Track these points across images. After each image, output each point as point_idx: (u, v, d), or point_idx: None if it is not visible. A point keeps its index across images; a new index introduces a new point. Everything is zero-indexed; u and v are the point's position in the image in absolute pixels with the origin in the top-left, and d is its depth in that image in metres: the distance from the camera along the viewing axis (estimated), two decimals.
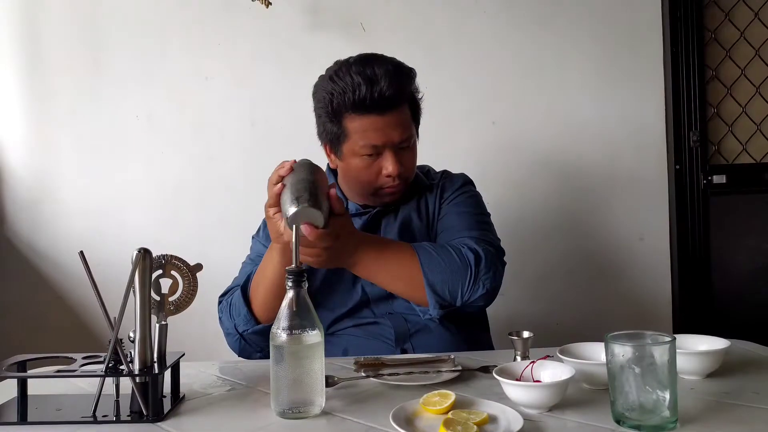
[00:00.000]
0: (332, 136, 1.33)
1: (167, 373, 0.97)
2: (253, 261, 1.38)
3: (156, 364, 0.94)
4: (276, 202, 1.11)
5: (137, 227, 2.09)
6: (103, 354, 0.95)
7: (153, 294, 0.96)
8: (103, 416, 0.91)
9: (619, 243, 2.14)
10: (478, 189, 1.49)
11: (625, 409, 0.82)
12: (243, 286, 1.30)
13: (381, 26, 2.08)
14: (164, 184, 2.10)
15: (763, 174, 2.20)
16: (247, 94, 2.10)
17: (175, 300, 0.99)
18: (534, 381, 0.92)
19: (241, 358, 1.32)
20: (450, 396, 0.88)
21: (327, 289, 1.33)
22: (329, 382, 1.00)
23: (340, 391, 1.00)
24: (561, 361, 0.96)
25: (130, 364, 0.92)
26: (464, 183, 1.46)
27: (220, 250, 1.91)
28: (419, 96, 1.38)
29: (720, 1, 2.20)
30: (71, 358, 0.98)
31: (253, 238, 1.45)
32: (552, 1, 2.11)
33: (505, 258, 1.32)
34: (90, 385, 1.04)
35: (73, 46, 2.09)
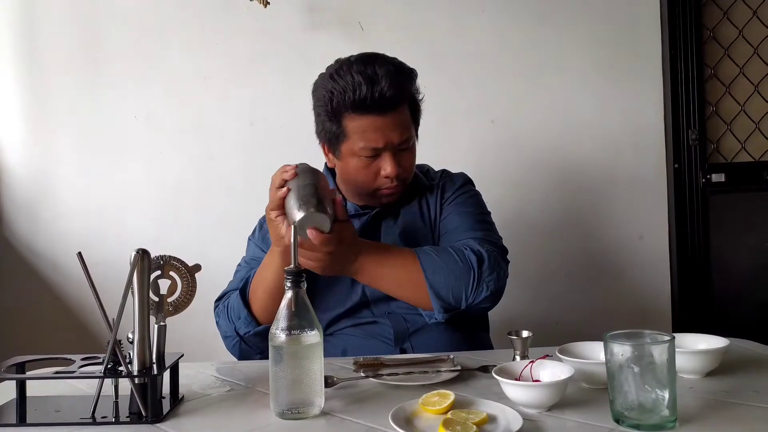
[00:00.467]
0: (331, 135, 1.32)
1: (166, 374, 0.96)
2: (248, 264, 1.38)
3: (155, 365, 0.94)
4: (279, 206, 1.12)
5: (136, 227, 2.09)
6: (101, 355, 0.94)
7: (152, 295, 0.96)
8: (102, 417, 0.91)
9: (618, 242, 2.14)
10: (477, 188, 1.49)
11: (624, 409, 0.82)
12: (242, 289, 1.30)
13: (379, 26, 2.08)
14: (164, 184, 2.10)
15: (762, 172, 2.20)
16: (246, 94, 2.10)
17: (173, 301, 0.99)
18: (533, 380, 0.92)
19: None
20: (449, 396, 0.88)
21: (326, 290, 1.33)
22: (328, 382, 1.00)
23: (340, 391, 1.00)
24: (560, 360, 0.96)
25: (129, 365, 0.91)
26: (464, 182, 1.46)
27: (220, 251, 1.91)
28: (419, 97, 1.37)
29: (718, 0, 2.20)
30: (70, 359, 0.98)
31: (249, 239, 1.44)
32: (551, 0, 2.11)
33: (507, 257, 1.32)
34: (89, 387, 1.04)
35: (72, 46, 2.09)
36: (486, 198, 1.47)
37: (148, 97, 2.09)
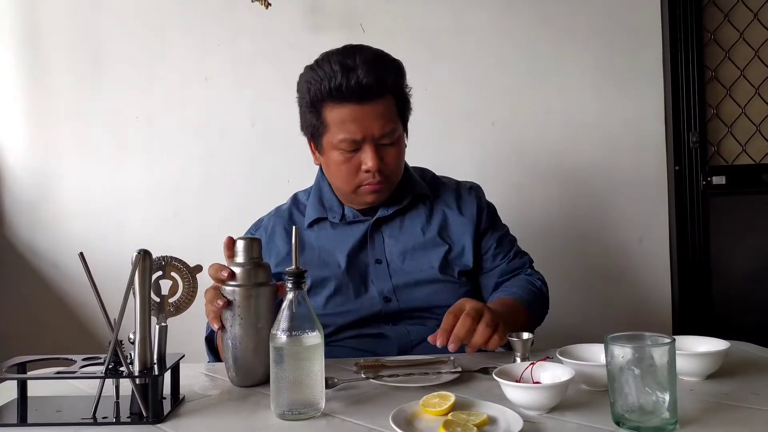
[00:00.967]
0: (313, 129, 1.31)
1: (167, 375, 0.97)
2: None
3: (156, 366, 0.94)
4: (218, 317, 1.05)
5: (137, 228, 2.09)
6: (103, 355, 0.95)
7: (153, 295, 0.96)
8: (103, 418, 0.91)
9: (618, 244, 2.14)
10: None
11: (624, 411, 0.82)
12: (208, 337, 1.29)
13: (381, 27, 2.08)
14: (165, 185, 2.10)
15: (763, 175, 2.20)
16: (247, 95, 2.10)
17: (175, 301, 0.99)
18: (534, 382, 0.92)
19: None
20: (450, 397, 0.88)
21: (339, 297, 1.32)
22: (329, 383, 1.00)
23: (340, 392, 1.00)
24: (561, 362, 0.96)
25: (130, 366, 0.92)
26: (486, 201, 1.46)
27: (220, 251, 1.90)
28: (408, 91, 1.34)
29: (719, 2, 2.20)
30: (71, 359, 0.98)
31: None
32: (552, 2, 2.11)
33: None
34: (90, 387, 1.04)
35: (73, 46, 2.09)
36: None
37: (150, 97, 2.09)
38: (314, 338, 0.90)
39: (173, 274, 1.00)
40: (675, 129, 2.15)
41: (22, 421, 0.91)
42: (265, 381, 0.97)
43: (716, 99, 2.20)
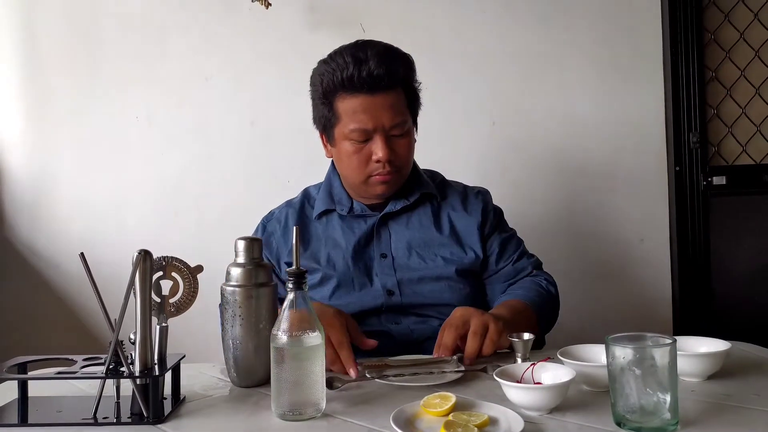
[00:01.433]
0: (325, 121, 1.34)
1: (168, 375, 0.97)
2: None
3: (156, 366, 0.94)
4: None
5: (137, 227, 2.09)
6: (103, 356, 0.95)
7: (153, 295, 0.96)
8: (104, 418, 0.91)
9: (619, 244, 2.14)
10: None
11: (625, 411, 0.82)
12: None
13: (381, 26, 2.08)
14: (164, 184, 2.10)
15: (763, 175, 2.20)
16: (247, 94, 2.10)
17: (175, 302, 0.99)
18: (535, 383, 0.92)
19: None
20: (450, 398, 0.88)
21: (344, 289, 1.33)
22: (334, 385, 1.00)
23: (341, 392, 1.00)
24: (561, 363, 0.96)
25: (131, 366, 0.92)
26: (493, 204, 1.47)
27: (220, 251, 1.90)
28: (417, 85, 1.37)
29: (720, 2, 2.20)
30: (72, 359, 0.98)
31: None
32: (552, 1, 2.11)
33: None
34: (90, 387, 1.04)
35: (72, 45, 2.09)
36: None
37: (149, 97, 2.09)
38: (315, 339, 0.90)
39: (174, 274, 1.00)
40: (675, 129, 2.15)
41: (23, 421, 0.91)
42: (265, 381, 0.97)
43: (716, 99, 2.20)
